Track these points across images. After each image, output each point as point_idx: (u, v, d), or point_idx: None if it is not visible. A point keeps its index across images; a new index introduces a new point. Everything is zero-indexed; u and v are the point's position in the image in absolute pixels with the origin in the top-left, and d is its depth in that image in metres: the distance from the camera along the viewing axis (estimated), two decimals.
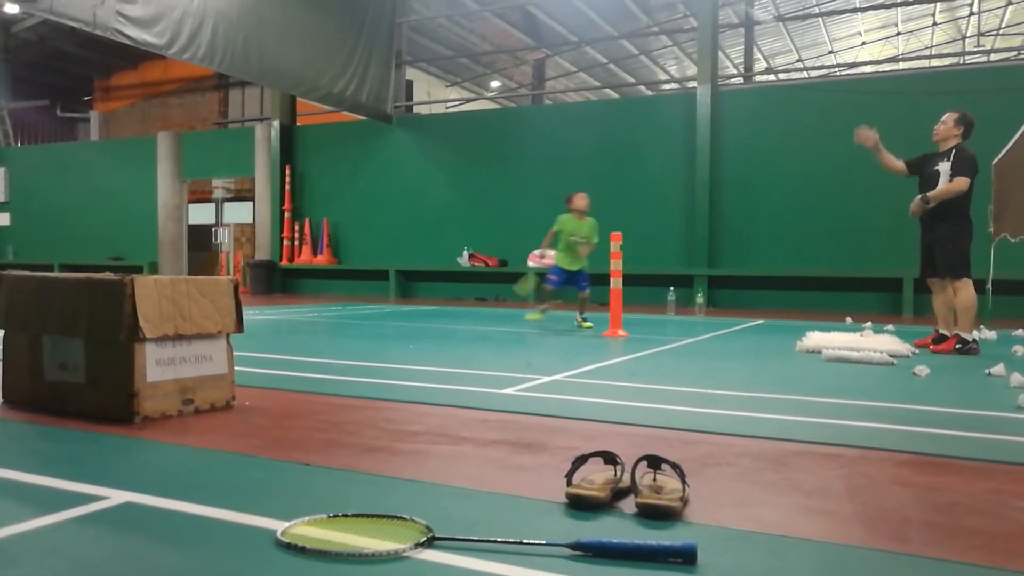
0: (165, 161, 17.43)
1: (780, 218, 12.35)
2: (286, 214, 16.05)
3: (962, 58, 20.98)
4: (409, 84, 16.72)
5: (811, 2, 19.46)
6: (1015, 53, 18.76)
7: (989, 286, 8.22)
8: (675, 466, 2.10)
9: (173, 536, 1.77)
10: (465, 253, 14.23)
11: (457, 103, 20.25)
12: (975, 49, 21.23)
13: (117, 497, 2.03)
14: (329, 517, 1.86)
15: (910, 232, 7.39)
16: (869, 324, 8.13)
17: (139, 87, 22.18)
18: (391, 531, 1.77)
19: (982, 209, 7.54)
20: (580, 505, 2.00)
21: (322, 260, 15.70)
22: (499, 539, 1.72)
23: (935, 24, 21.85)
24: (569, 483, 2.07)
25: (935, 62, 21.13)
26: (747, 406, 3.52)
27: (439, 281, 14.84)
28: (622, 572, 1.60)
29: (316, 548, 1.66)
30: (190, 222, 18.13)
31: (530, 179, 14.12)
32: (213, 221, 19.12)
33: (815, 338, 6.18)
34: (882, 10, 19.26)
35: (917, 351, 5.95)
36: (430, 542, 1.70)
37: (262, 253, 16.53)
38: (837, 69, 21.68)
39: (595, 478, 2.13)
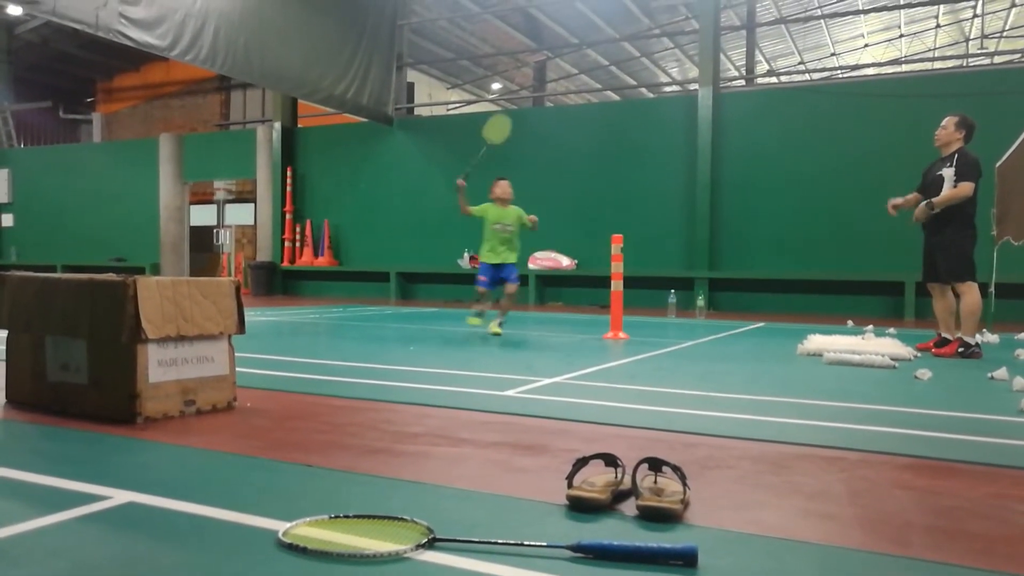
0: (167, 163, 17.46)
1: (781, 220, 12.35)
2: (287, 216, 16.06)
3: (965, 60, 20.96)
4: (410, 86, 16.74)
5: (813, 4, 19.47)
6: (1019, 56, 18.77)
7: (992, 290, 8.22)
8: (676, 468, 2.10)
9: (175, 536, 1.77)
10: (466, 255, 14.23)
11: (458, 105, 20.27)
12: (979, 51, 21.22)
13: (119, 497, 2.04)
14: (330, 518, 1.86)
15: (912, 235, 7.40)
16: (871, 327, 8.13)
17: (141, 89, 22.22)
18: (392, 532, 1.78)
19: (985, 213, 7.53)
20: (581, 507, 2.00)
21: (323, 262, 15.71)
22: (500, 541, 1.72)
23: (938, 26, 21.85)
24: (570, 485, 2.07)
25: (938, 64, 21.13)
26: (748, 409, 3.51)
27: (440, 283, 14.85)
28: (623, 574, 1.60)
29: (317, 549, 1.66)
30: (192, 223, 18.15)
31: (531, 181, 14.09)
32: (215, 223, 19.15)
33: (816, 341, 6.18)
34: (885, 12, 19.27)
35: (919, 354, 5.95)
36: (431, 543, 1.71)
37: (263, 255, 16.54)
38: (839, 71, 21.69)
39: (596, 480, 2.13)
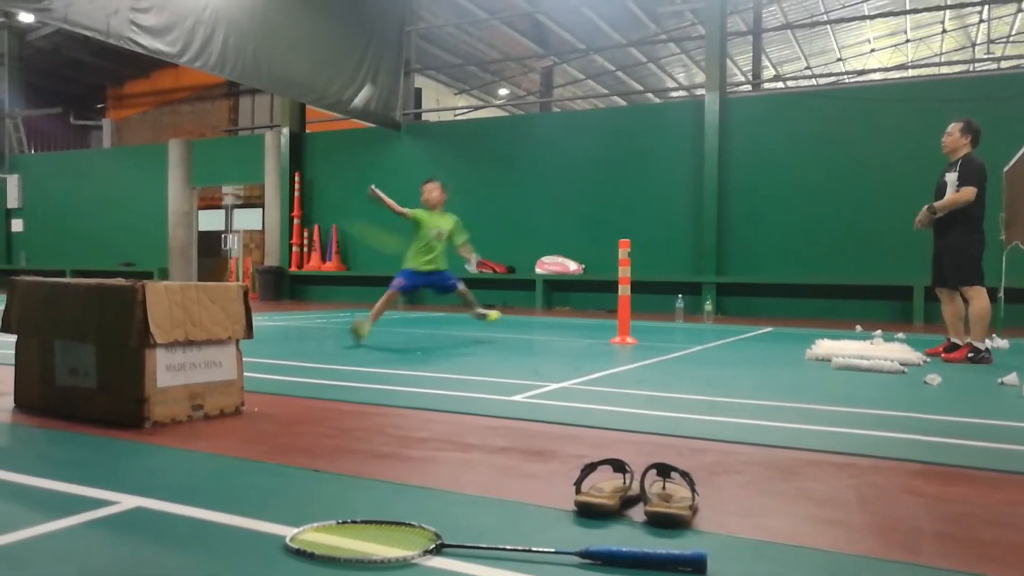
0: (175, 168, 17.52)
1: (789, 225, 12.32)
2: (295, 221, 16.09)
3: (972, 65, 20.91)
4: (418, 92, 16.77)
5: (819, 9, 19.45)
6: None
7: (1001, 295, 8.18)
8: (684, 474, 2.10)
9: (182, 541, 1.77)
10: (473, 259, 14.21)
11: (465, 111, 20.30)
12: (985, 56, 21.17)
13: (127, 502, 2.04)
14: (338, 523, 1.86)
15: (920, 240, 7.38)
16: (879, 332, 8.10)
17: (151, 95, 22.32)
18: (400, 538, 1.77)
19: (994, 217, 7.50)
20: (589, 513, 2.00)
21: (331, 266, 15.74)
22: (508, 547, 1.71)
23: (944, 31, 21.81)
24: (578, 491, 2.07)
25: (945, 69, 21.09)
26: (756, 414, 3.50)
27: None
28: None
29: (325, 554, 1.66)
30: (200, 228, 18.20)
31: (538, 186, 14.14)
32: (223, 227, 19.20)
33: (825, 346, 6.16)
34: (891, 17, 19.24)
35: (928, 360, 5.92)
36: (439, 549, 1.70)
37: (271, 259, 16.58)
38: (846, 76, 21.64)
39: (604, 486, 2.12)
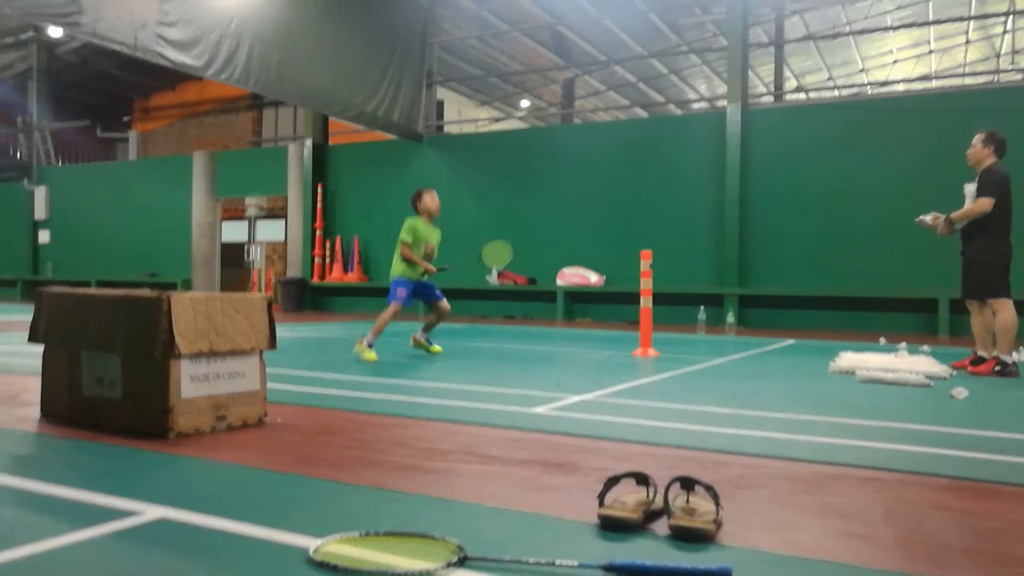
0: (200, 179, 17.70)
1: (811, 236, 12.23)
2: (317, 232, 16.19)
3: (996, 76, 20.72)
4: (440, 104, 16.86)
5: (842, 21, 19.36)
6: None
7: None
8: (709, 488, 2.08)
9: (207, 552, 1.78)
10: (494, 271, 14.24)
11: (487, 122, 20.37)
12: (1009, 67, 20.97)
13: (152, 512, 2.05)
14: (361, 535, 1.86)
15: (945, 251, 7.30)
16: (904, 344, 8.01)
17: (177, 107, 22.59)
18: (423, 550, 1.77)
19: (1021, 228, 7.41)
20: (612, 526, 1.98)
21: (352, 277, 15.81)
22: (531, 560, 1.71)
23: (968, 42, 21.62)
24: (601, 504, 2.06)
25: (968, 80, 20.90)
26: (781, 427, 3.47)
27: (468, 299, 14.86)
28: None
29: (348, 567, 1.66)
30: (223, 240, 18.36)
31: (560, 198, 14.14)
32: (246, 239, 19.37)
33: (848, 359, 6.10)
34: (914, 28, 19.12)
35: (954, 373, 5.85)
36: (462, 562, 1.70)
37: (293, 270, 16.68)
38: (868, 87, 21.52)
39: (627, 499, 2.11)
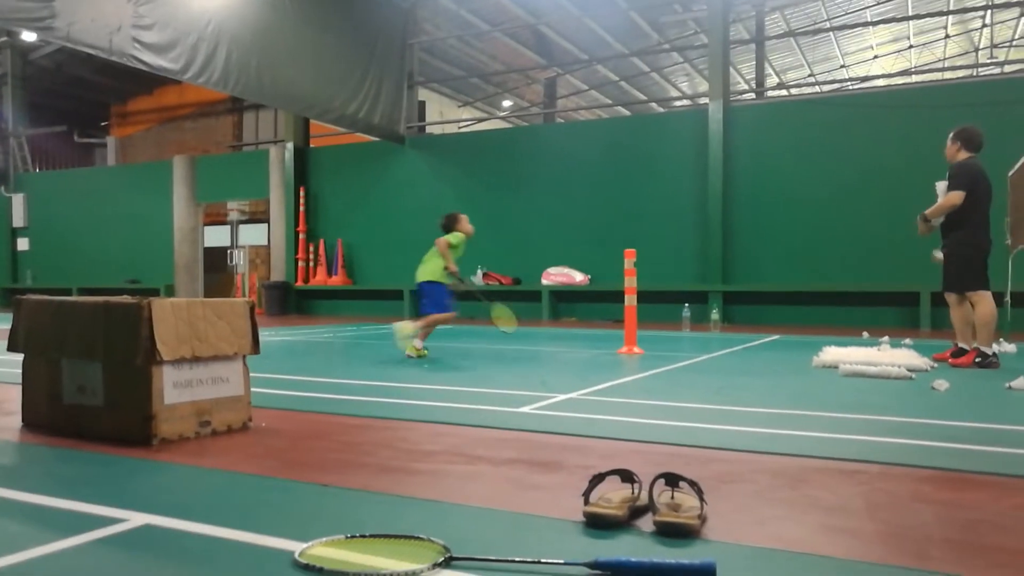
0: (180, 185, 17.59)
1: (794, 232, 12.31)
2: (300, 235, 16.13)
3: (975, 70, 20.92)
4: (421, 105, 16.82)
5: (822, 16, 19.48)
6: None
7: (1007, 299, 8.16)
8: (693, 483, 2.09)
9: (191, 558, 1.77)
10: (479, 272, 14.24)
11: (469, 123, 20.35)
12: (988, 61, 21.16)
13: (136, 519, 2.04)
14: (347, 538, 1.86)
15: (925, 245, 7.36)
16: (886, 338, 8.08)
17: (155, 112, 22.43)
18: (409, 551, 1.77)
19: (999, 222, 7.50)
20: (598, 523, 1.99)
21: (336, 281, 15.76)
22: (517, 558, 1.71)
23: (947, 37, 21.81)
24: (586, 501, 2.06)
25: (948, 75, 21.07)
26: (764, 422, 3.49)
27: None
28: None
29: (334, 569, 1.66)
30: (205, 244, 18.26)
31: (543, 197, 14.16)
32: (228, 243, 19.26)
33: (832, 353, 6.14)
34: (894, 23, 19.25)
35: (936, 365, 5.90)
36: (448, 562, 1.70)
37: (277, 274, 16.62)
38: (849, 83, 21.66)
39: (612, 496, 2.12)
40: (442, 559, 1.70)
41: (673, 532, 1.92)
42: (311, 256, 16.11)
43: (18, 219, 19.63)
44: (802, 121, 12.39)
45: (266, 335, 9.17)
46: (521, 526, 2.02)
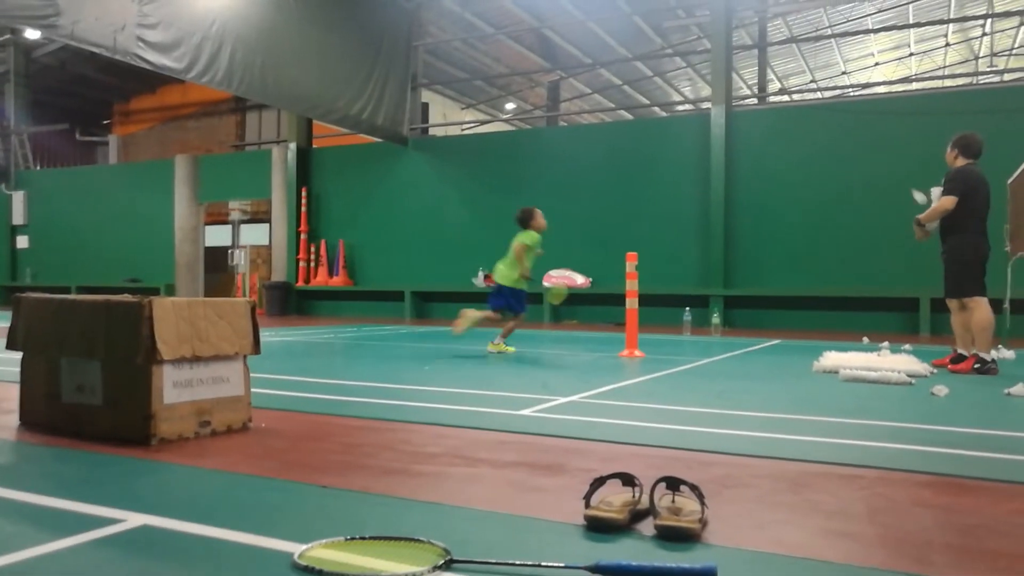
0: (182, 184, 17.60)
1: (795, 237, 12.31)
2: (302, 236, 16.13)
3: (975, 78, 20.94)
4: (425, 106, 16.83)
5: (824, 23, 19.50)
6: None
7: (1007, 305, 8.16)
8: (694, 487, 2.09)
9: (190, 559, 1.77)
10: (480, 273, 14.24)
11: (472, 125, 20.36)
12: (988, 69, 21.20)
13: (134, 520, 2.04)
14: (346, 540, 1.85)
15: (925, 251, 7.37)
16: (886, 344, 8.07)
17: (157, 111, 22.44)
18: (409, 554, 1.77)
19: (998, 228, 7.49)
20: (599, 527, 1.99)
21: (338, 281, 15.76)
22: (517, 562, 1.71)
23: (948, 45, 21.84)
24: (587, 505, 2.06)
25: (948, 82, 21.10)
26: (765, 427, 3.49)
27: (454, 302, 14.81)
28: None
29: (333, 571, 1.65)
30: (206, 244, 18.25)
31: (545, 200, 14.06)
32: (229, 243, 19.26)
33: (832, 358, 6.14)
34: (895, 31, 19.26)
35: (935, 371, 5.90)
36: (448, 565, 1.70)
37: (278, 275, 16.61)
38: (851, 90, 21.68)
39: (613, 500, 2.11)
40: (442, 562, 1.70)
41: (674, 536, 1.92)
42: (312, 257, 16.11)
43: (18, 216, 19.63)
44: (804, 127, 12.40)
45: (267, 335, 9.17)
46: (522, 529, 2.02)
